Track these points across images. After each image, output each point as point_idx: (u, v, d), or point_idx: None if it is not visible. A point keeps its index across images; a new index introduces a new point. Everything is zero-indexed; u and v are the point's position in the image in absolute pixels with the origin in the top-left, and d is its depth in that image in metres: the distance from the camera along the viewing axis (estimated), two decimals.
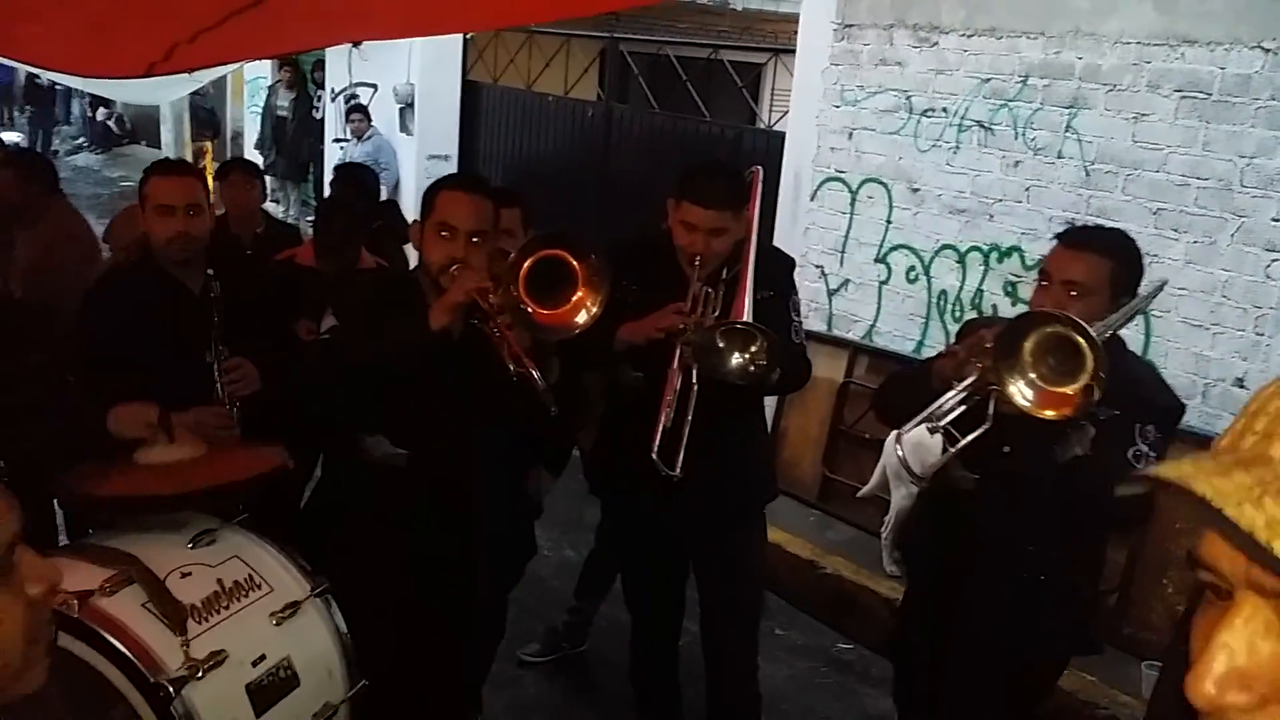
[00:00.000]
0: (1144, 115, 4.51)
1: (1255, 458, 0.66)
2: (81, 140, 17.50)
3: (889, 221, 5.52)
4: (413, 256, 2.85)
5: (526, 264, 2.42)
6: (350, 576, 2.48)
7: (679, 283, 2.86)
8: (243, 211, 4.87)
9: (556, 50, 9.13)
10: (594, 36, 8.55)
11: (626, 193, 7.36)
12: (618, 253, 3.20)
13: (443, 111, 9.34)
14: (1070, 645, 2.73)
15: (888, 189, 5.51)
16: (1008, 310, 4.96)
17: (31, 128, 16.64)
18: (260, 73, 11.97)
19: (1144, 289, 2.56)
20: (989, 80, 5.05)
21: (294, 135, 11.40)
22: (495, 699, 3.72)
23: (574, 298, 2.46)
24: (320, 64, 11.08)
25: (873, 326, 5.61)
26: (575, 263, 2.45)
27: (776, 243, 5.28)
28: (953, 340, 2.72)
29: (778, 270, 3.01)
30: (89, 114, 17.16)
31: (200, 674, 1.98)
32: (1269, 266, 4.17)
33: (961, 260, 5.20)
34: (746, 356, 2.72)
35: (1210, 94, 4.30)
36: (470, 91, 9.37)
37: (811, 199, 5.87)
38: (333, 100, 10.54)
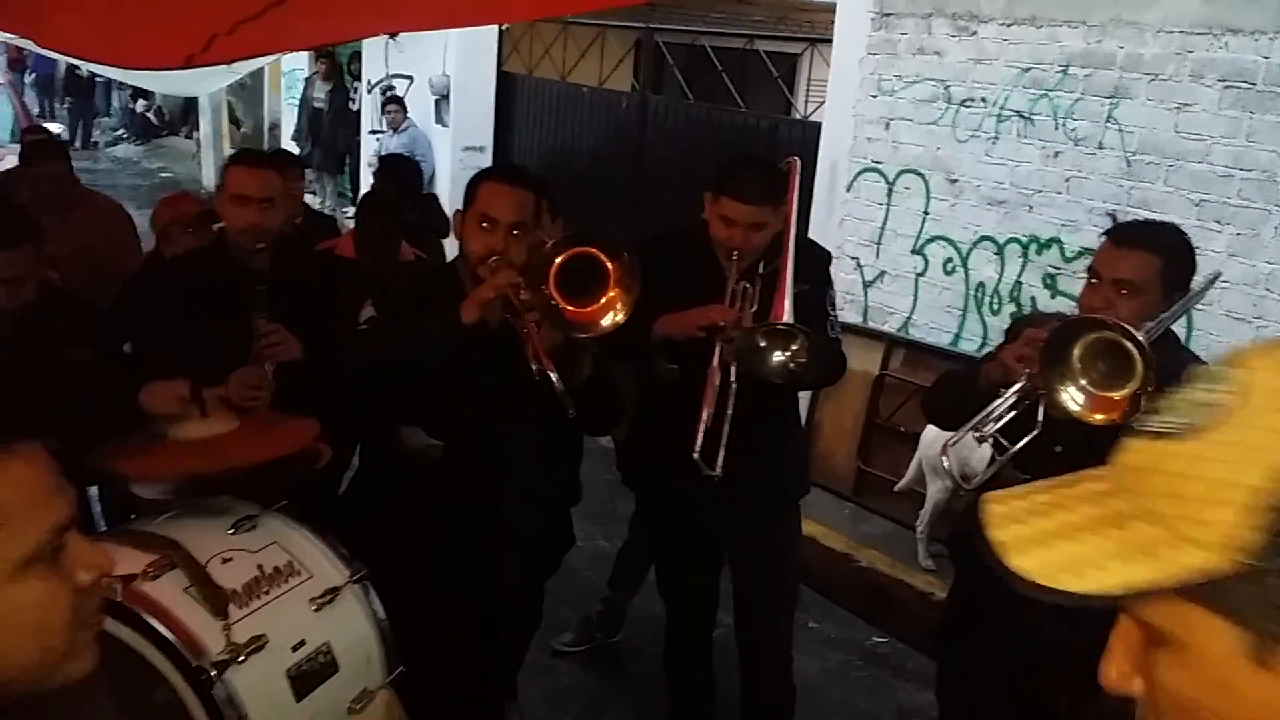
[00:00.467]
0: (1187, 105, 4.45)
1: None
2: (121, 132, 17.71)
3: (926, 213, 5.48)
4: (452, 248, 2.85)
5: (559, 260, 2.42)
6: (386, 564, 2.49)
7: (714, 276, 2.85)
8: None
9: (591, 41, 9.14)
10: (629, 27, 8.54)
11: (661, 184, 7.35)
12: (652, 244, 3.20)
13: (478, 103, 9.37)
14: None
15: (925, 180, 5.46)
16: (1047, 303, 4.91)
17: (71, 119, 16.87)
18: (298, 64, 12.05)
19: (1196, 283, 2.51)
20: (1029, 70, 4.99)
21: (330, 127, 11.48)
22: (530, 687, 3.74)
23: (604, 298, 2.44)
24: (357, 56, 11.14)
25: (909, 319, 5.58)
26: (608, 262, 2.44)
27: (812, 234, 5.25)
28: (993, 334, 2.72)
29: (814, 264, 3.00)
30: (129, 106, 17.36)
31: (241, 658, 2.00)
32: None
33: (1000, 252, 5.16)
34: (786, 355, 2.72)
35: (1254, 84, 4.23)
36: (505, 83, 9.38)
37: (848, 190, 5.83)
38: (369, 92, 10.60)
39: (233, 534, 2.27)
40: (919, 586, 4.58)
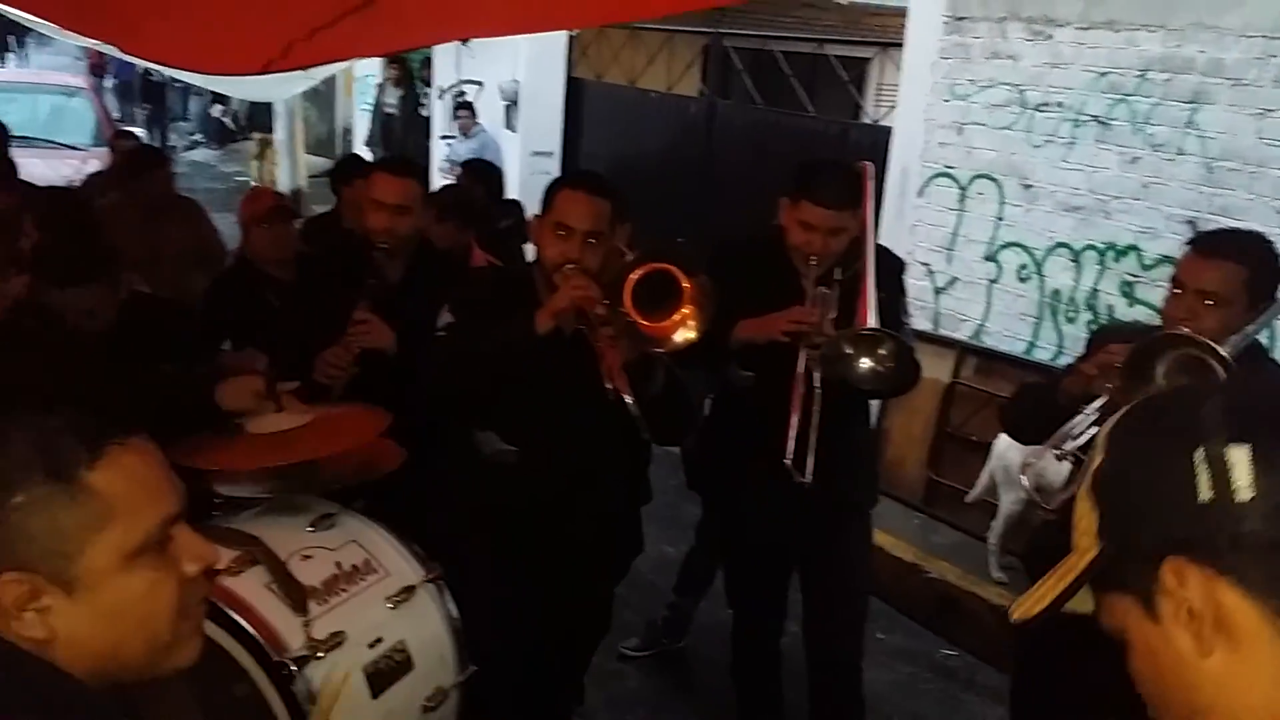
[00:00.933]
0: (1270, 111, 4.33)
1: None
2: (198, 136, 18.10)
3: (1000, 218, 5.40)
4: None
5: (637, 275, 2.43)
6: (459, 566, 2.52)
7: (791, 282, 2.84)
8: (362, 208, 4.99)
9: (659, 46, 9.15)
10: (698, 32, 8.54)
11: (728, 188, 7.34)
12: (727, 251, 3.20)
13: (547, 108, 9.43)
14: None
15: (999, 185, 5.39)
16: (1125, 312, 4.81)
17: (148, 124, 17.29)
18: (370, 70, 12.24)
19: None
20: (1106, 74, 4.90)
21: (401, 132, 11.62)
22: (596, 691, 3.75)
23: (677, 314, 2.45)
24: (428, 62, 11.28)
25: (981, 326, 5.50)
26: (685, 280, 2.44)
27: (882, 240, 5.16)
28: (1068, 342, 2.67)
29: (888, 271, 2.97)
30: (207, 111, 17.74)
31: (321, 654, 2.04)
32: None
33: (1076, 259, 5.07)
34: (874, 361, 2.70)
35: None
36: (574, 88, 9.44)
37: (919, 195, 5.77)
38: (439, 97, 10.73)
39: (312, 531, 2.32)
40: (990, 599, 4.51)
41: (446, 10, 3.44)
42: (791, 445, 2.76)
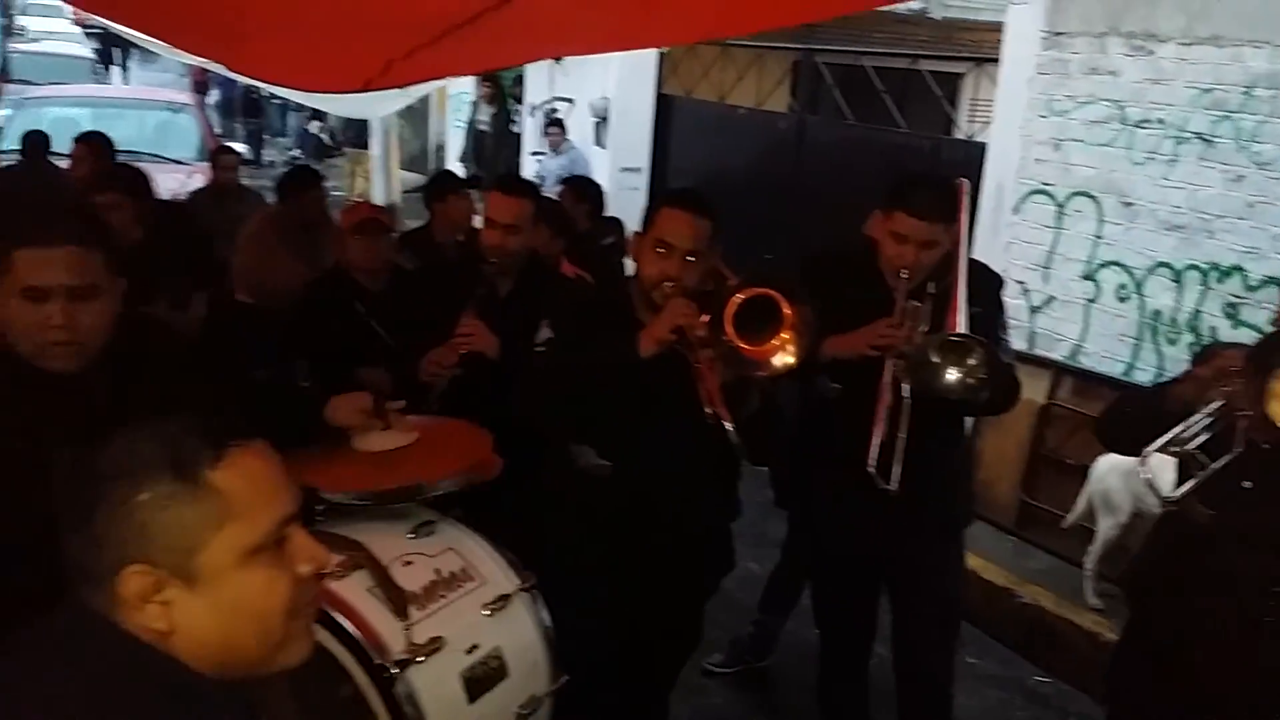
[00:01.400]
0: None
1: None
2: (295, 151, 18.59)
3: (1099, 237, 5.29)
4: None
5: (740, 299, 2.44)
6: (549, 577, 2.55)
7: (882, 294, 2.82)
8: (455, 223, 5.12)
9: (750, 63, 9.16)
10: (788, 48, 8.53)
11: (818, 204, 7.29)
12: (816, 263, 3.19)
13: (636, 124, 9.49)
14: None
15: (1098, 202, 5.28)
16: (1228, 334, 4.67)
17: (249, 139, 17.82)
18: (464, 88, 12.46)
19: None
20: (1210, 91, 4.79)
21: (493, 148, 11.83)
22: (681, 706, 3.74)
23: (777, 339, 2.44)
24: (520, 79, 11.46)
25: (1078, 347, 5.39)
26: (786, 307, 2.44)
27: (976, 256, 5.14)
28: (1169, 364, 2.61)
29: (986, 287, 2.94)
30: (304, 127, 18.23)
31: (421, 658, 2.08)
32: None
33: (1178, 279, 4.94)
34: (963, 371, 2.65)
35: None
36: (663, 104, 9.49)
37: (1014, 212, 5.69)
38: (531, 114, 10.88)
39: (412, 538, 2.37)
40: (1086, 626, 4.41)
41: (542, 29, 3.49)
42: (875, 453, 2.73)
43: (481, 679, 2.20)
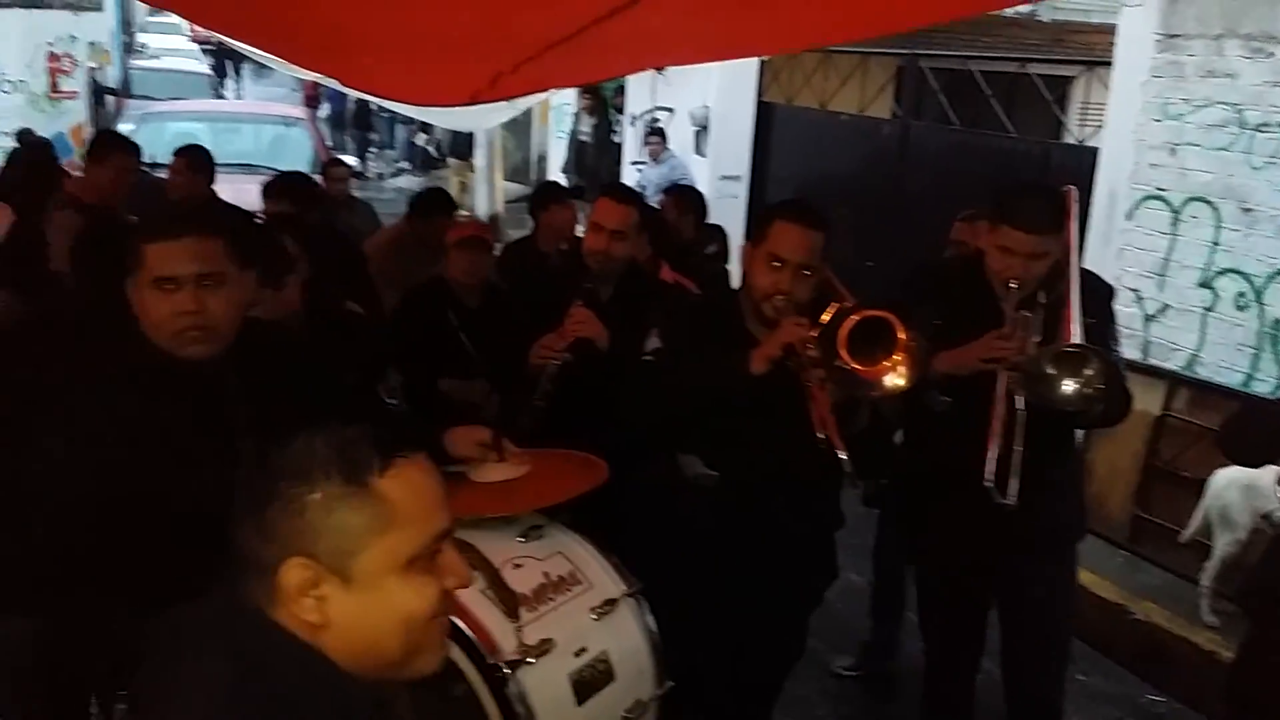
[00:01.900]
0: None
1: None
2: (403, 163, 19.03)
3: (1216, 243, 5.12)
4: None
5: (854, 321, 2.43)
6: (655, 584, 2.58)
7: (990, 306, 2.79)
8: (559, 233, 5.20)
9: (853, 69, 9.09)
10: (892, 53, 8.44)
11: (922, 211, 7.19)
12: (924, 275, 3.16)
13: (736, 132, 9.49)
14: None
15: (1215, 208, 5.12)
16: None
17: (359, 151, 18.31)
18: (566, 100, 12.63)
19: None
20: None
21: (594, 158, 11.95)
22: (783, 717, 3.74)
23: (889, 360, 2.43)
24: (621, 90, 11.56)
25: (1195, 356, 5.22)
26: (901, 332, 2.43)
27: (1088, 264, 4.98)
28: None
29: (1096, 297, 2.87)
30: (411, 139, 18.66)
31: (531, 659, 2.14)
32: None
33: None
34: (1080, 381, 2.60)
35: None
36: (764, 112, 9.47)
37: (1127, 218, 5.54)
38: (632, 124, 10.97)
39: (522, 541, 2.42)
40: (1201, 644, 4.27)
41: (647, 40, 3.53)
42: (992, 467, 2.69)
43: (589, 681, 2.24)
